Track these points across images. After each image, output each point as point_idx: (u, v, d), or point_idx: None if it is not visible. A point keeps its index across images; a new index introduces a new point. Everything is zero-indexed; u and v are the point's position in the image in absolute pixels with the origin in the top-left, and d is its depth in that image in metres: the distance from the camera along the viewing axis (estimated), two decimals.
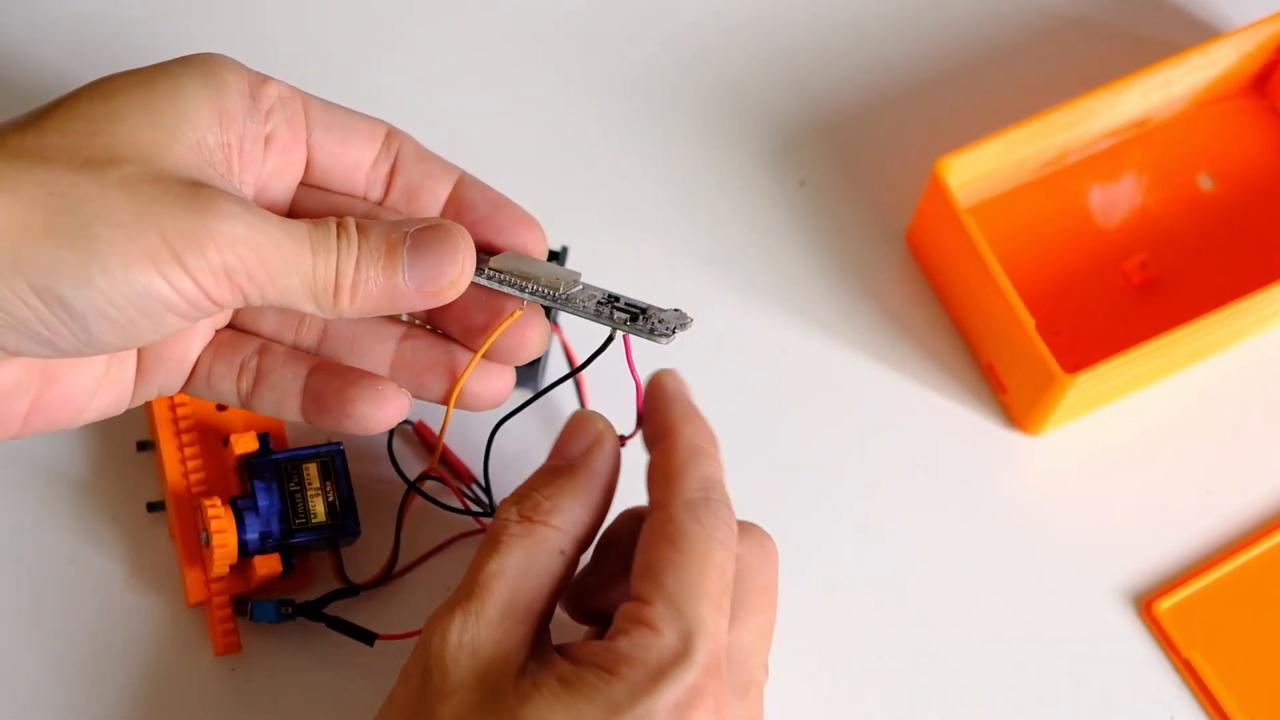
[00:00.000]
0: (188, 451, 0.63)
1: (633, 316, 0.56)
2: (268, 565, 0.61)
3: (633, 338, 0.56)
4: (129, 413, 0.59)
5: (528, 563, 0.54)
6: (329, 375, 0.57)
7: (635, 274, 0.70)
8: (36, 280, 0.49)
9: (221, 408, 0.64)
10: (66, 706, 0.62)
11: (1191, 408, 0.70)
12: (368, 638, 0.62)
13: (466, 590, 0.54)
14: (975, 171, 0.69)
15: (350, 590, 0.63)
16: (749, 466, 0.68)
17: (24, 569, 0.64)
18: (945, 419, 0.69)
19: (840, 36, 0.75)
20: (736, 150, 0.73)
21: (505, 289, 0.56)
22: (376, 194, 0.58)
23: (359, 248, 0.53)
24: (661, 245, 0.71)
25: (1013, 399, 0.69)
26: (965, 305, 0.70)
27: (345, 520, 0.62)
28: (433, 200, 0.58)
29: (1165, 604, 0.66)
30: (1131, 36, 0.76)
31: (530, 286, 0.56)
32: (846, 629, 0.66)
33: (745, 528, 0.57)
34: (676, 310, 0.56)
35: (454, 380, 0.58)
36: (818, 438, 0.69)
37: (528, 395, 0.68)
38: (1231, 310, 0.66)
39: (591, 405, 0.67)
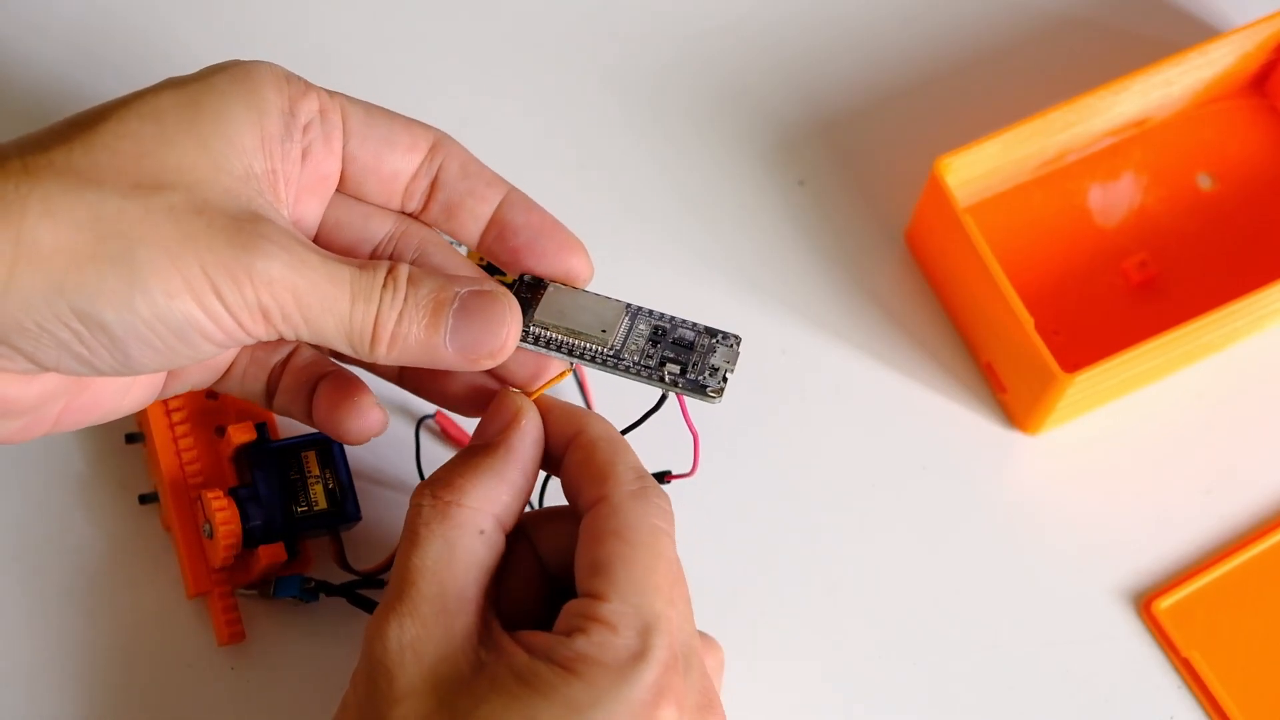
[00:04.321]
0: (182, 443, 0.63)
1: (682, 368, 0.55)
2: (272, 554, 0.61)
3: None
4: None
5: (448, 551, 0.53)
6: (332, 386, 0.58)
7: (634, 273, 0.70)
8: (79, 304, 0.49)
9: (212, 396, 0.64)
10: (68, 701, 0.62)
11: (1190, 407, 0.70)
12: None
13: (396, 589, 0.53)
14: (974, 171, 0.69)
15: (371, 580, 0.63)
16: (747, 466, 0.68)
17: (16, 563, 0.64)
18: (944, 418, 0.69)
19: (839, 35, 0.75)
20: (735, 149, 0.73)
21: (549, 353, 0.56)
22: (415, 205, 0.57)
23: (405, 300, 0.53)
24: (660, 244, 0.71)
25: (1012, 398, 0.69)
26: (964, 305, 0.70)
27: (345, 505, 0.62)
28: (473, 220, 0.57)
29: (1164, 603, 0.66)
30: (1131, 36, 0.76)
31: (576, 348, 0.55)
32: (847, 628, 0.66)
33: None
34: (727, 343, 0.55)
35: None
36: (817, 437, 0.69)
37: None
38: (1230, 310, 0.66)
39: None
